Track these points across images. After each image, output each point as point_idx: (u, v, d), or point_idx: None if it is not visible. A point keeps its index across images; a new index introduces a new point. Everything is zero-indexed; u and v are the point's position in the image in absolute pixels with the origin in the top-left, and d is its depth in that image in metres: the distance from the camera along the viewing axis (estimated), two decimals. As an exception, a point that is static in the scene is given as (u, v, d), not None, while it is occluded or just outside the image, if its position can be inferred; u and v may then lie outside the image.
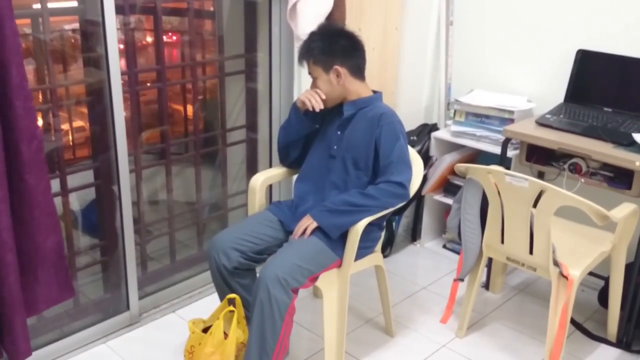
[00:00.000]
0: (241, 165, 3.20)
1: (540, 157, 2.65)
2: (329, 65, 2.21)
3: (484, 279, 2.91)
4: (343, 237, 2.19)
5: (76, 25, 2.61)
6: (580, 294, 2.86)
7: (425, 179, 3.05)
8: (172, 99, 3.39)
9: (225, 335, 2.16)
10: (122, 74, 2.34)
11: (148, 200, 3.11)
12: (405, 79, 3.26)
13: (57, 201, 2.42)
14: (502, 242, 2.40)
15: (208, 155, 3.18)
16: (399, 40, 3.12)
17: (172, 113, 3.46)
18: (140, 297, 2.63)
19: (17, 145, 1.88)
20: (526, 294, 2.95)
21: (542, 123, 2.67)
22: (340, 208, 2.17)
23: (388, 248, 3.20)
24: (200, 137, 3.02)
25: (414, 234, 3.42)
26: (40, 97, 2.66)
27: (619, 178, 2.45)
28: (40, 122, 2.63)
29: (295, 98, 2.64)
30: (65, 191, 2.44)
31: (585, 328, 2.65)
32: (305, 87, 2.40)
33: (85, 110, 3.04)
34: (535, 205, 2.23)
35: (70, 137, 3.13)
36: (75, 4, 2.51)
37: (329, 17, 2.62)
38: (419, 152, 3.02)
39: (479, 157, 3.15)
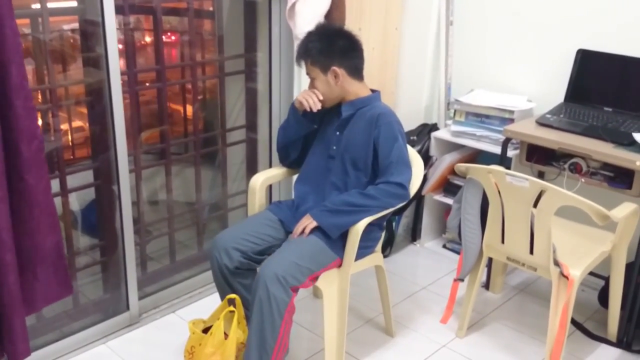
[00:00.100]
0: (241, 165, 3.20)
1: (540, 157, 2.65)
2: (327, 66, 2.20)
3: (484, 278, 2.91)
4: (343, 237, 2.19)
5: (75, 25, 2.61)
6: (581, 293, 2.86)
7: (425, 178, 3.05)
8: (171, 99, 3.38)
9: (226, 335, 2.15)
10: (122, 74, 2.33)
11: (148, 200, 3.11)
12: (405, 79, 3.26)
13: (57, 201, 2.42)
14: (503, 242, 2.40)
15: (208, 155, 3.18)
16: (399, 40, 3.12)
17: (172, 113, 3.45)
18: (140, 298, 2.62)
19: (17, 145, 1.87)
20: (526, 293, 2.94)
21: (542, 123, 2.67)
22: (340, 208, 2.16)
23: (388, 248, 3.20)
24: (200, 137, 3.01)
25: (414, 234, 3.42)
26: (40, 97, 2.66)
27: (620, 178, 2.45)
28: (39, 122, 2.64)
29: (294, 98, 2.63)
30: (65, 191, 2.43)
31: (585, 328, 2.65)
32: (305, 87, 2.40)
33: (84, 110, 3.04)
34: (535, 205, 2.23)
35: (70, 137, 3.13)
36: (74, 3, 2.51)
37: (329, 17, 2.61)
38: (419, 152, 3.02)
39: (479, 157, 3.15)
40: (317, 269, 2.13)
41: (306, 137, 2.42)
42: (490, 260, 2.74)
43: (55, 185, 2.40)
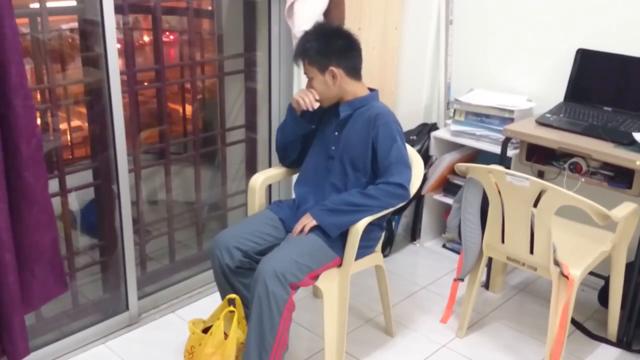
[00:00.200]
0: (240, 165, 3.19)
1: (540, 157, 2.65)
2: (325, 66, 2.20)
3: (483, 278, 2.91)
4: (342, 236, 2.19)
5: (74, 25, 2.60)
6: (581, 293, 2.85)
7: (425, 178, 3.05)
8: (170, 98, 3.38)
9: (226, 335, 2.15)
10: (121, 73, 2.33)
11: (147, 200, 3.10)
12: (405, 79, 3.26)
13: (56, 201, 2.42)
14: (503, 241, 2.40)
15: (207, 155, 3.17)
16: (399, 39, 3.12)
17: (171, 113, 3.45)
18: (140, 298, 2.62)
19: (16, 143, 1.87)
20: (526, 293, 2.94)
21: (542, 122, 2.67)
22: (340, 207, 2.16)
23: (388, 248, 3.20)
24: (200, 137, 3.01)
25: (414, 234, 3.41)
26: (39, 96, 2.66)
27: (619, 177, 2.45)
28: (38, 122, 2.63)
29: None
30: (64, 191, 2.43)
31: (585, 328, 2.65)
32: (304, 87, 2.39)
33: (83, 110, 3.03)
34: (535, 205, 2.23)
35: (69, 137, 3.12)
36: (74, 3, 2.50)
37: (328, 16, 2.61)
38: (419, 151, 3.02)
39: (478, 156, 3.15)
40: (316, 267, 2.13)
41: (305, 137, 2.41)
42: (490, 260, 2.74)
43: (54, 184, 2.41)
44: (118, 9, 2.26)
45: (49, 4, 2.27)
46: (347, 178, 2.27)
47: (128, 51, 2.71)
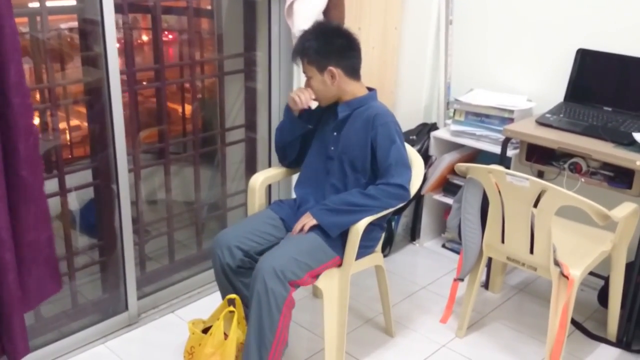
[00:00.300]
0: (240, 165, 3.19)
1: (540, 157, 2.64)
2: (324, 66, 2.19)
3: (483, 278, 2.91)
4: (342, 236, 2.19)
5: (73, 24, 2.60)
6: (580, 293, 2.85)
7: (424, 178, 3.04)
8: (170, 98, 3.38)
9: (226, 335, 2.15)
10: (121, 73, 2.32)
11: (147, 200, 3.10)
12: (405, 79, 3.25)
13: (56, 201, 2.42)
14: (503, 241, 2.40)
15: (207, 154, 3.17)
16: (399, 39, 3.11)
17: (171, 112, 3.44)
18: (139, 298, 2.61)
19: (14, 142, 1.87)
20: (525, 293, 2.94)
21: (542, 122, 2.67)
22: (340, 207, 2.16)
23: (387, 247, 3.19)
24: (199, 137, 3.00)
25: (413, 234, 3.41)
26: (38, 96, 2.65)
27: (619, 177, 2.45)
28: (37, 121, 2.63)
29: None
30: (63, 191, 2.42)
31: (585, 328, 2.65)
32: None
33: (82, 109, 3.02)
34: (535, 205, 2.22)
35: (68, 137, 3.12)
36: (73, 2, 2.50)
37: (328, 16, 2.61)
38: (418, 151, 3.01)
39: (478, 156, 3.15)
40: (316, 265, 2.12)
41: (304, 137, 2.41)
42: (489, 259, 2.74)
43: (54, 184, 2.40)
44: (118, 9, 2.26)
45: (48, 4, 2.26)
46: (346, 178, 2.26)
47: (127, 51, 2.71)
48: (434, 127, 3.29)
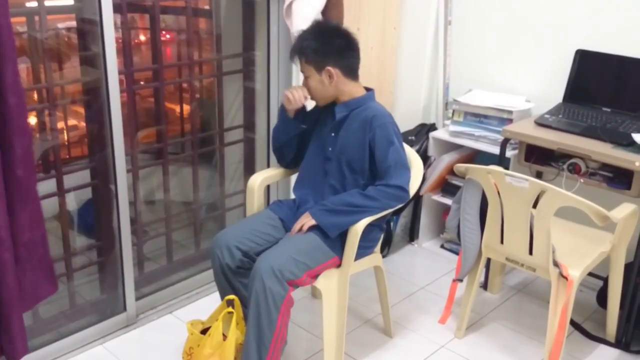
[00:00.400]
0: (238, 165, 3.18)
1: (539, 157, 2.64)
2: (322, 66, 2.18)
3: (482, 279, 2.91)
4: (341, 236, 2.18)
5: (71, 24, 2.59)
6: (579, 294, 2.85)
7: (423, 179, 3.04)
8: (168, 98, 3.37)
9: (224, 336, 2.14)
10: (119, 72, 2.32)
11: (145, 200, 3.09)
12: (404, 79, 3.25)
13: (54, 201, 2.41)
14: (502, 242, 2.40)
15: (205, 155, 3.16)
16: (398, 39, 3.11)
17: (169, 112, 3.44)
18: (137, 298, 2.61)
19: (11, 141, 1.87)
20: (524, 294, 2.94)
21: (541, 123, 2.67)
22: (340, 208, 2.16)
23: (386, 248, 3.19)
24: (198, 137, 3.00)
25: (412, 234, 3.41)
26: (36, 96, 2.64)
27: (618, 178, 2.45)
28: (34, 121, 2.62)
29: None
30: (61, 191, 2.42)
31: (584, 328, 2.65)
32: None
33: (80, 109, 3.01)
34: (534, 206, 2.22)
35: (66, 137, 3.11)
36: (71, 2, 2.49)
37: (327, 16, 2.60)
38: (417, 152, 3.01)
39: (477, 157, 3.14)
40: (314, 265, 2.12)
41: (301, 138, 2.41)
42: (488, 260, 2.73)
43: (52, 184, 2.39)
44: (116, 8, 2.25)
45: (46, 3, 2.25)
46: (344, 179, 2.26)
47: (126, 50, 2.70)
48: (432, 127, 3.29)
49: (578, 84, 2.81)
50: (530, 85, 3.04)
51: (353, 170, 2.24)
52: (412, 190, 2.25)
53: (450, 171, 2.99)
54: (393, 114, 2.31)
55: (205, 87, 3.40)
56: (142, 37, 3.51)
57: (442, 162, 3.09)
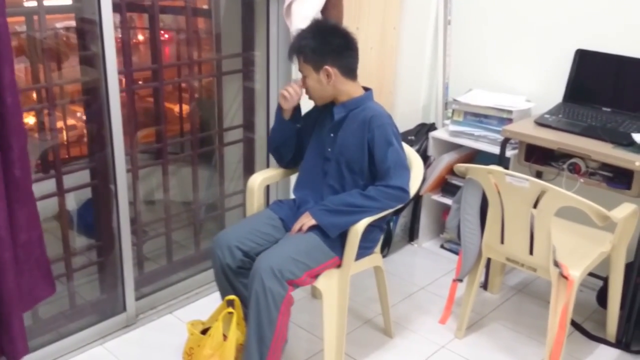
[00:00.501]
0: (238, 165, 3.18)
1: (539, 157, 2.64)
2: (320, 65, 2.18)
3: (482, 279, 2.90)
4: (341, 236, 2.18)
5: (69, 24, 2.59)
6: (579, 294, 2.84)
7: (423, 178, 3.04)
8: (167, 98, 3.36)
9: (225, 337, 2.14)
10: (119, 72, 2.31)
11: (144, 200, 3.08)
12: (403, 79, 3.25)
13: (53, 201, 2.40)
14: (502, 242, 2.39)
15: (205, 155, 3.16)
16: (397, 39, 3.11)
17: (168, 112, 3.43)
18: (137, 298, 2.60)
19: (8, 141, 1.87)
20: (524, 294, 2.94)
21: (541, 123, 2.66)
22: (340, 208, 2.15)
23: (385, 248, 3.19)
24: (197, 137, 2.99)
25: (412, 234, 3.40)
26: (35, 96, 2.64)
27: (618, 178, 2.45)
28: (33, 121, 2.62)
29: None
30: (61, 191, 2.41)
31: (584, 328, 2.64)
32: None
33: (78, 109, 3.01)
34: (535, 206, 2.22)
35: (65, 136, 3.11)
36: (69, 2, 2.49)
37: (326, 16, 2.60)
38: (417, 151, 3.00)
39: (477, 156, 3.14)
40: (314, 265, 2.12)
41: (299, 138, 2.40)
42: (488, 260, 2.73)
43: (51, 184, 2.39)
44: (115, 8, 2.24)
45: (45, 3, 2.24)
46: (343, 180, 2.26)
47: (125, 50, 2.70)
48: (432, 127, 3.29)
49: (578, 83, 2.81)
50: (530, 85, 3.04)
51: (352, 170, 2.24)
52: (413, 191, 2.25)
53: (450, 171, 2.99)
54: (393, 114, 2.31)
55: (204, 87, 3.40)
56: (140, 37, 3.51)
57: (442, 162, 3.08)
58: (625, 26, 2.71)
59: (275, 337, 2.03)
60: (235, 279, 2.20)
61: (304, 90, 2.29)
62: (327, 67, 2.17)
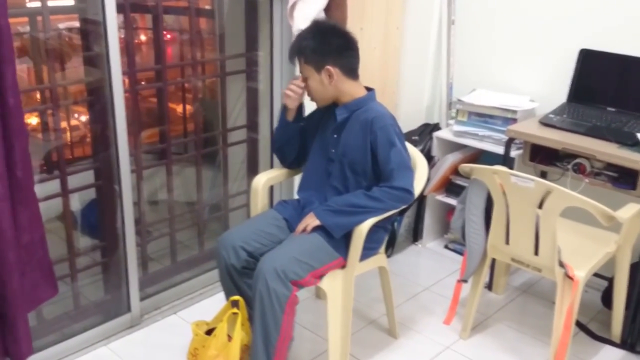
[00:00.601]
0: (242, 166, 3.18)
1: (543, 157, 2.64)
2: (321, 65, 2.17)
3: (486, 279, 2.89)
4: (346, 237, 2.17)
5: (73, 24, 2.59)
6: (584, 294, 2.82)
7: (427, 179, 3.04)
8: (171, 98, 3.36)
9: (229, 337, 2.13)
10: (123, 73, 2.31)
11: (148, 200, 3.08)
12: (407, 79, 3.24)
13: (57, 202, 2.41)
14: (507, 243, 2.39)
15: (208, 155, 3.15)
16: (401, 39, 3.11)
17: (172, 113, 3.43)
18: (142, 299, 2.60)
19: (11, 142, 1.87)
20: (529, 294, 2.93)
21: (545, 123, 2.66)
22: (344, 209, 2.15)
23: (389, 248, 3.18)
24: (201, 137, 2.99)
25: (416, 234, 3.40)
26: (39, 96, 2.64)
27: (624, 178, 2.44)
28: (35, 122, 2.62)
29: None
30: (65, 191, 2.41)
31: (589, 329, 2.64)
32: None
33: (84, 110, 3.01)
34: (540, 206, 2.21)
35: (69, 137, 3.11)
36: (73, 2, 2.49)
37: (330, 16, 2.60)
38: (421, 152, 2.99)
39: (481, 157, 3.14)
40: (318, 266, 2.11)
41: (303, 138, 2.40)
42: (493, 260, 2.73)
43: (56, 185, 2.39)
44: (119, 8, 2.24)
45: (49, 3, 2.24)
46: (347, 181, 2.25)
47: (129, 51, 2.70)
48: (436, 127, 3.28)
49: (582, 83, 2.81)
50: (534, 84, 3.03)
51: (355, 172, 2.23)
52: (417, 191, 2.25)
53: (454, 171, 2.99)
54: (396, 114, 2.30)
55: (208, 88, 3.40)
56: (143, 37, 3.51)
57: (446, 162, 3.08)
58: (629, 26, 2.70)
59: (281, 337, 2.03)
60: (240, 279, 2.19)
61: (305, 90, 2.29)
62: (328, 67, 2.17)
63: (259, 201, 2.42)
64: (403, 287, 2.94)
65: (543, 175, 2.80)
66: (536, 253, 2.30)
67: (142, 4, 2.93)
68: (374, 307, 2.74)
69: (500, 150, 2.81)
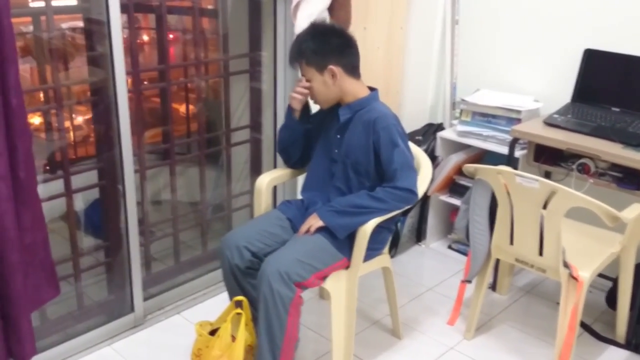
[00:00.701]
0: (245, 166, 3.17)
1: (548, 158, 2.63)
2: (323, 65, 2.17)
3: (490, 280, 2.89)
4: (349, 237, 2.17)
5: (75, 24, 2.59)
6: (588, 295, 2.80)
7: (431, 179, 3.03)
8: (174, 98, 3.36)
9: (233, 338, 2.13)
10: (127, 73, 2.31)
11: (152, 200, 3.08)
12: (411, 79, 3.24)
13: (61, 202, 2.41)
14: (511, 243, 2.38)
15: (212, 155, 3.15)
16: (404, 39, 3.10)
17: (175, 113, 3.43)
18: (145, 299, 2.60)
19: (14, 142, 1.87)
20: (533, 295, 2.93)
21: (549, 123, 2.65)
22: (348, 209, 2.15)
23: (393, 249, 3.18)
24: (204, 137, 2.99)
25: (419, 235, 3.39)
26: (42, 96, 2.64)
27: (628, 179, 2.43)
28: (38, 121, 2.62)
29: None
30: (69, 191, 2.41)
31: (593, 330, 2.63)
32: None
33: (87, 109, 3.01)
34: (544, 206, 2.21)
35: (73, 137, 3.11)
36: (76, 2, 2.48)
37: (334, 16, 2.59)
38: (425, 151, 2.98)
39: (484, 157, 3.13)
40: (322, 267, 2.11)
41: (307, 138, 2.40)
42: (497, 261, 2.72)
43: (59, 185, 2.39)
44: (123, 8, 2.24)
45: (53, 3, 2.24)
46: (350, 181, 2.25)
47: (133, 51, 2.70)
48: (440, 127, 3.27)
49: (586, 83, 2.80)
50: (538, 84, 3.03)
51: (358, 172, 2.23)
52: (421, 191, 2.24)
53: (458, 171, 2.99)
54: (400, 114, 2.29)
55: (211, 88, 3.39)
56: (145, 37, 3.51)
57: (450, 162, 3.07)
58: (633, 25, 2.69)
59: (287, 338, 2.03)
60: (244, 280, 2.19)
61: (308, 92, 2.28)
62: (331, 66, 2.16)
63: (262, 201, 2.42)
64: (407, 287, 2.94)
65: (547, 175, 2.79)
66: (540, 253, 2.29)
67: (145, 3, 2.93)
68: (378, 308, 2.74)
69: (504, 150, 2.80)
